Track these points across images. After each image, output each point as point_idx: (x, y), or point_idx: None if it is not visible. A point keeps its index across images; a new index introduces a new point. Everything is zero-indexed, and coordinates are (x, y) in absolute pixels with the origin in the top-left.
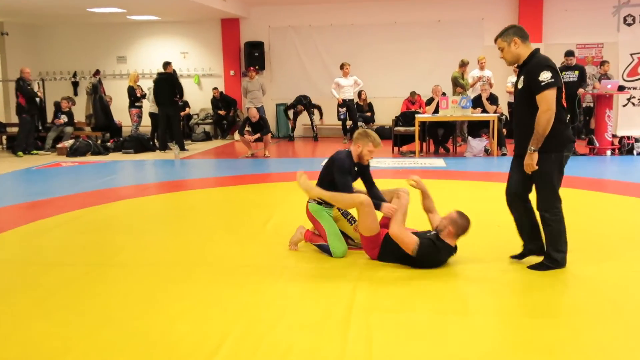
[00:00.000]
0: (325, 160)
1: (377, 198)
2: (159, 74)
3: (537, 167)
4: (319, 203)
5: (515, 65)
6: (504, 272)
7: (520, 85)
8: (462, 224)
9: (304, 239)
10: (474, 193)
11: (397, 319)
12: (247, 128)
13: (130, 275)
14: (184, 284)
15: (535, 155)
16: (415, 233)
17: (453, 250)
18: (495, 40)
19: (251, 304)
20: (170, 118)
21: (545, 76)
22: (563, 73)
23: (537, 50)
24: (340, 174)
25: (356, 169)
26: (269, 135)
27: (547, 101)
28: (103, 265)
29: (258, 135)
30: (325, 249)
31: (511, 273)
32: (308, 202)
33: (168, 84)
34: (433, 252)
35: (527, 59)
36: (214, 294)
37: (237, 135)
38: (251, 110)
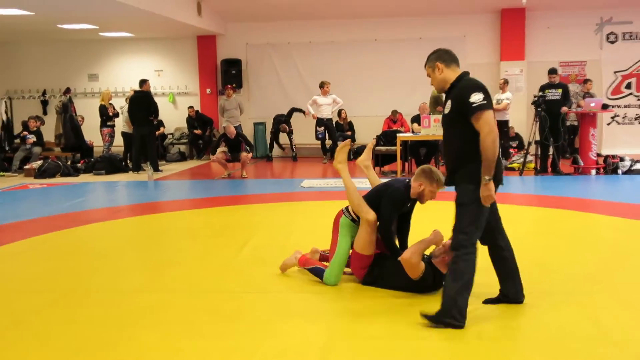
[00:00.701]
0: (300, 182)
1: (403, 242)
2: (135, 92)
3: (494, 199)
4: (353, 220)
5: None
6: (488, 295)
7: (447, 111)
8: None
9: (297, 264)
10: None
11: (380, 345)
12: (222, 148)
13: (100, 303)
14: (156, 312)
15: (491, 185)
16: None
17: (444, 277)
18: (425, 67)
19: (227, 331)
20: (145, 138)
21: (477, 97)
22: (546, 91)
23: (465, 73)
24: (390, 204)
25: (409, 205)
26: (249, 155)
27: (487, 122)
28: (72, 292)
29: (247, 153)
30: (317, 273)
31: (494, 296)
32: (343, 212)
33: (144, 103)
34: (430, 277)
35: (454, 82)
36: (188, 321)
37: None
38: (229, 127)
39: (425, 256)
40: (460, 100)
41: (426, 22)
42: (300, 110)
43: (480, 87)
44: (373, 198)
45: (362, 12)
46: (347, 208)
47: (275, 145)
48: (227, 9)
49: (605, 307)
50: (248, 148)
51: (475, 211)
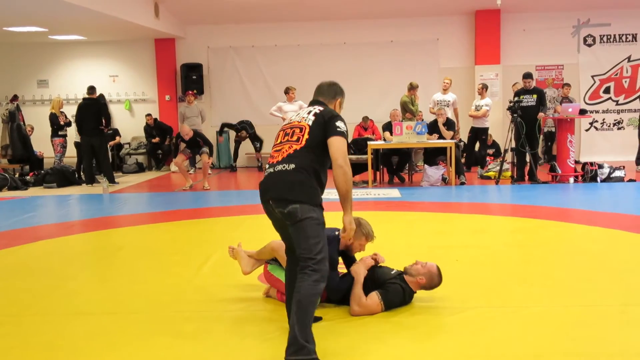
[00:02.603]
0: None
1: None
2: (84, 99)
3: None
4: (275, 261)
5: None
6: (462, 311)
7: None
8: (436, 282)
9: (277, 298)
10: (430, 225)
11: None
12: (181, 147)
13: (50, 326)
14: (111, 335)
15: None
16: (379, 267)
17: (413, 294)
18: None
19: (187, 354)
20: (95, 148)
21: (340, 125)
22: (521, 97)
23: None
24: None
25: (339, 258)
26: (209, 160)
27: (343, 151)
28: (19, 315)
29: (207, 156)
30: None
31: (469, 311)
32: (266, 262)
33: (93, 111)
34: (400, 299)
35: None
36: (146, 345)
37: (173, 167)
38: (183, 128)
39: (395, 271)
40: None
41: (397, 24)
42: (232, 127)
43: (340, 117)
44: None
45: (330, 14)
46: (266, 261)
47: (241, 154)
48: (187, 10)
49: (582, 321)
50: (207, 149)
51: None
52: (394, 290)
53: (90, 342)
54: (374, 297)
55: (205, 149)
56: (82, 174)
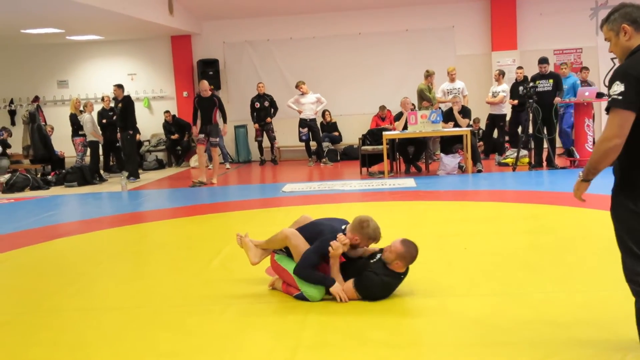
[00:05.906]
0: (282, 187)
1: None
2: (127, 96)
3: (582, 199)
4: (283, 251)
5: None
6: (463, 297)
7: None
8: (409, 255)
9: (282, 289)
10: (442, 214)
11: (346, 355)
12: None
13: (56, 323)
14: (115, 330)
15: (582, 185)
16: (360, 258)
17: (403, 275)
18: (601, 27)
19: (185, 349)
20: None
21: (615, 88)
22: (537, 82)
23: None
24: (313, 251)
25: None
26: (218, 152)
27: (611, 124)
28: (31, 312)
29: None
30: (301, 297)
31: (470, 298)
32: (275, 253)
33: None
34: (376, 285)
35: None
36: (146, 339)
37: (192, 162)
38: (202, 84)
39: (377, 257)
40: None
41: (412, 13)
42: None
43: (624, 74)
44: (310, 239)
45: (345, 5)
46: (274, 251)
47: (254, 149)
48: (201, 6)
49: (585, 306)
50: (217, 140)
51: (626, 231)
52: (369, 280)
53: (94, 338)
54: (349, 285)
55: (216, 140)
56: (102, 172)
